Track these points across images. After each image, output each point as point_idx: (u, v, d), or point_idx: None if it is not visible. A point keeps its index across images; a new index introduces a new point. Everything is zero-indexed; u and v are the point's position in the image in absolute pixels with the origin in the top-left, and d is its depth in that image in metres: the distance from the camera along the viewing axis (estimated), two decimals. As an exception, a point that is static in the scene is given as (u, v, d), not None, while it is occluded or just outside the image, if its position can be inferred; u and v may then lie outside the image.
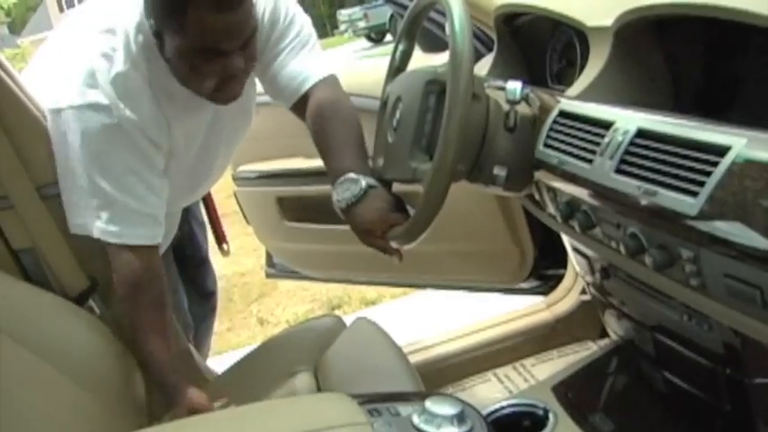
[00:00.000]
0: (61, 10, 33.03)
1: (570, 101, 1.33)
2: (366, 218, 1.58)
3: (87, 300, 1.84)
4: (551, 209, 1.37)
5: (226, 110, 1.76)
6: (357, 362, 1.73)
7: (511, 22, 1.78)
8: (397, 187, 1.60)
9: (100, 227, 1.65)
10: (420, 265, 2.50)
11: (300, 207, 2.67)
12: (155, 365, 1.69)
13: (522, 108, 1.41)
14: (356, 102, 1.88)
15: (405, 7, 1.71)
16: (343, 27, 24.19)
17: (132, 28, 1.59)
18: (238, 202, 2.91)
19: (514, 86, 1.38)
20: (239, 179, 2.79)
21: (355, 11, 22.58)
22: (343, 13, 23.67)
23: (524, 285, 2.53)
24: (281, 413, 1.10)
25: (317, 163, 2.54)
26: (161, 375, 1.68)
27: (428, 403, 1.12)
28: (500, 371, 2.45)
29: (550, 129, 1.31)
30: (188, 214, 2.31)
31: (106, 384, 1.65)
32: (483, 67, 1.90)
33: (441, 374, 2.44)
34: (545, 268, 2.52)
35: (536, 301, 2.60)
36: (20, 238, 1.80)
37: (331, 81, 1.81)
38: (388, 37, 21.36)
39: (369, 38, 22.07)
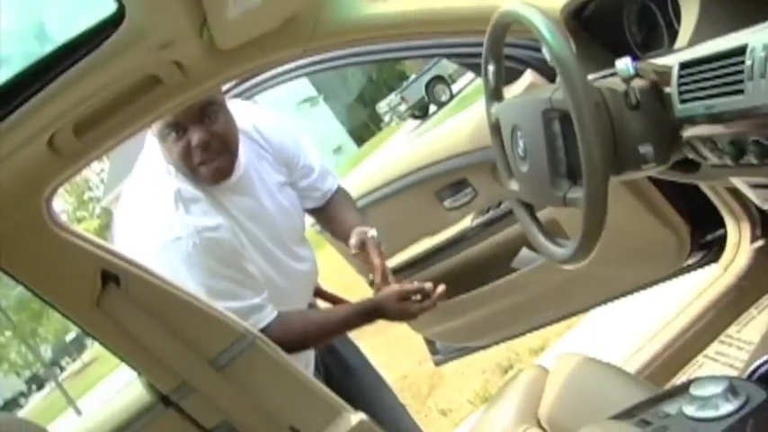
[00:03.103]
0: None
1: (684, 51, 1.30)
2: None
3: (298, 448, 1.86)
4: (714, 159, 1.32)
5: (254, 208, 2.02)
6: (581, 395, 1.68)
7: (578, 16, 1.76)
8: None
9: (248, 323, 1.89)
10: (583, 288, 2.45)
11: (445, 283, 2.65)
12: (338, 323, 2.08)
13: (637, 82, 1.38)
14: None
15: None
16: (386, 118, 24.59)
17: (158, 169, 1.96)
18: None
19: (625, 64, 1.34)
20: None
21: (391, 98, 22.97)
22: (381, 105, 24.10)
23: (690, 262, 2.45)
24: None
25: (443, 236, 2.57)
26: (346, 317, 2.06)
27: (693, 390, 1.07)
28: (708, 351, 2.36)
29: (680, 84, 1.27)
30: None
31: None
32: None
33: (652, 379, 2.36)
34: (702, 237, 2.45)
35: (710, 270, 2.50)
36: (210, 416, 1.82)
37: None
38: (432, 107, 21.60)
39: (414, 116, 22.35)
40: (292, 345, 1.95)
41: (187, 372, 1.78)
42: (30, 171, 1.56)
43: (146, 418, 1.81)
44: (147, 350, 1.76)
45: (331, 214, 2.25)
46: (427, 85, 21.29)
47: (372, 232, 2.03)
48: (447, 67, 20.41)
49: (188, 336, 1.78)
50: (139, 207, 1.95)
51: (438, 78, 21.32)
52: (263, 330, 1.90)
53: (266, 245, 2.02)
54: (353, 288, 2.94)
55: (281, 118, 2.30)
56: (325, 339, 2.18)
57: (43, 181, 1.61)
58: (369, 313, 2.02)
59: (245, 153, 2.02)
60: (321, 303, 2.44)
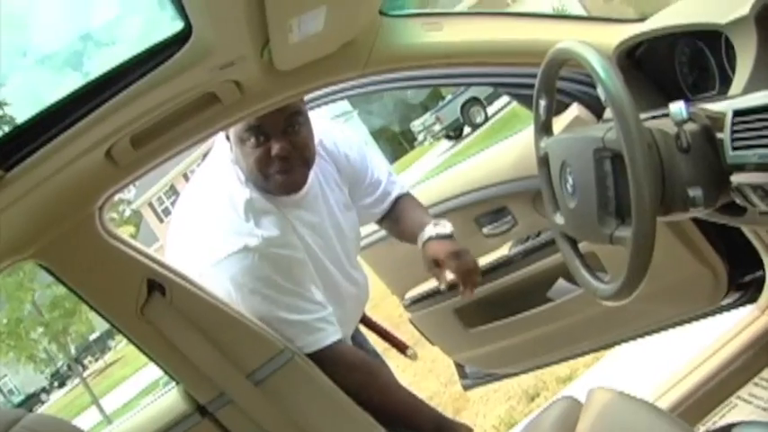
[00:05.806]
0: (161, 221, 34.50)
1: (738, 98, 1.32)
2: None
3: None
4: (763, 206, 1.33)
5: (316, 222, 2.00)
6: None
7: (631, 54, 1.78)
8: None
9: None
10: (617, 322, 2.45)
11: (479, 310, 2.66)
12: (418, 408, 2.02)
13: (689, 126, 1.39)
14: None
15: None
16: (420, 137, 24.58)
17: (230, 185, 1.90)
18: (416, 327, 2.91)
19: (678, 107, 1.36)
20: (410, 305, 2.80)
21: (426, 118, 22.97)
22: (416, 124, 24.09)
23: (726, 302, 2.45)
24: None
25: (480, 262, 2.57)
26: (428, 412, 2.03)
27: (736, 435, 1.08)
28: (742, 392, 2.34)
29: (733, 131, 1.29)
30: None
31: None
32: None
33: (683, 418, 2.35)
34: (740, 277, 2.44)
35: (747, 311, 2.49)
36: (245, 429, 1.84)
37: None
38: (467, 129, 21.60)
39: (448, 137, 22.34)
40: (348, 378, 1.93)
41: (225, 383, 1.81)
42: (86, 179, 1.61)
43: (181, 426, 1.84)
44: (187, 360, 1.79)
45: (396, 215, 2.20)
46: (463, 107, 21.28)
47: (441, 229, 1.99)
48: (483, 89, 20.39)
49: (228, 348, 1.81)
50: (207, 212, 1.91)
51: (474, 100, 21.30)
52: (329, 347, 1.90)
53: (324, 263, 1.99)
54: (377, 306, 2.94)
55: (348, 131, 2.27)
56: (378, 399, 1.98)
57: (98, 190, 1.66)
58: (436, 426, 2.00)
59: (313, 168, 1.97)
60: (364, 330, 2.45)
